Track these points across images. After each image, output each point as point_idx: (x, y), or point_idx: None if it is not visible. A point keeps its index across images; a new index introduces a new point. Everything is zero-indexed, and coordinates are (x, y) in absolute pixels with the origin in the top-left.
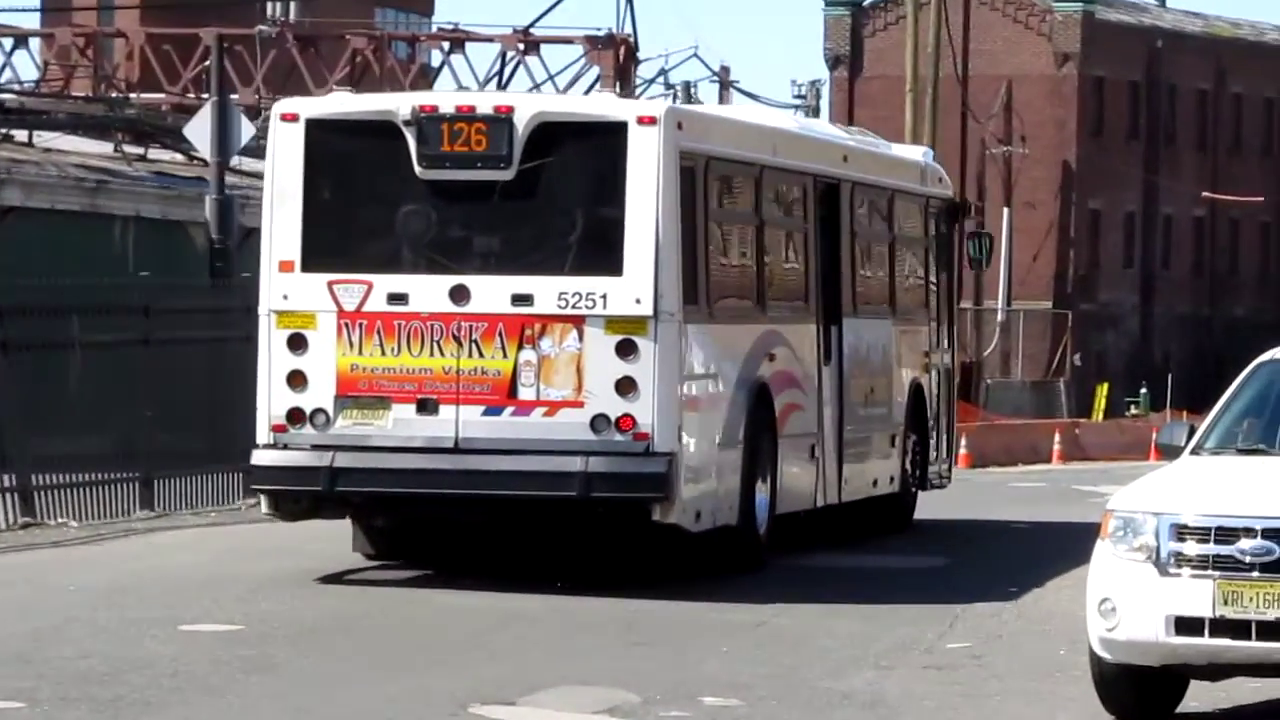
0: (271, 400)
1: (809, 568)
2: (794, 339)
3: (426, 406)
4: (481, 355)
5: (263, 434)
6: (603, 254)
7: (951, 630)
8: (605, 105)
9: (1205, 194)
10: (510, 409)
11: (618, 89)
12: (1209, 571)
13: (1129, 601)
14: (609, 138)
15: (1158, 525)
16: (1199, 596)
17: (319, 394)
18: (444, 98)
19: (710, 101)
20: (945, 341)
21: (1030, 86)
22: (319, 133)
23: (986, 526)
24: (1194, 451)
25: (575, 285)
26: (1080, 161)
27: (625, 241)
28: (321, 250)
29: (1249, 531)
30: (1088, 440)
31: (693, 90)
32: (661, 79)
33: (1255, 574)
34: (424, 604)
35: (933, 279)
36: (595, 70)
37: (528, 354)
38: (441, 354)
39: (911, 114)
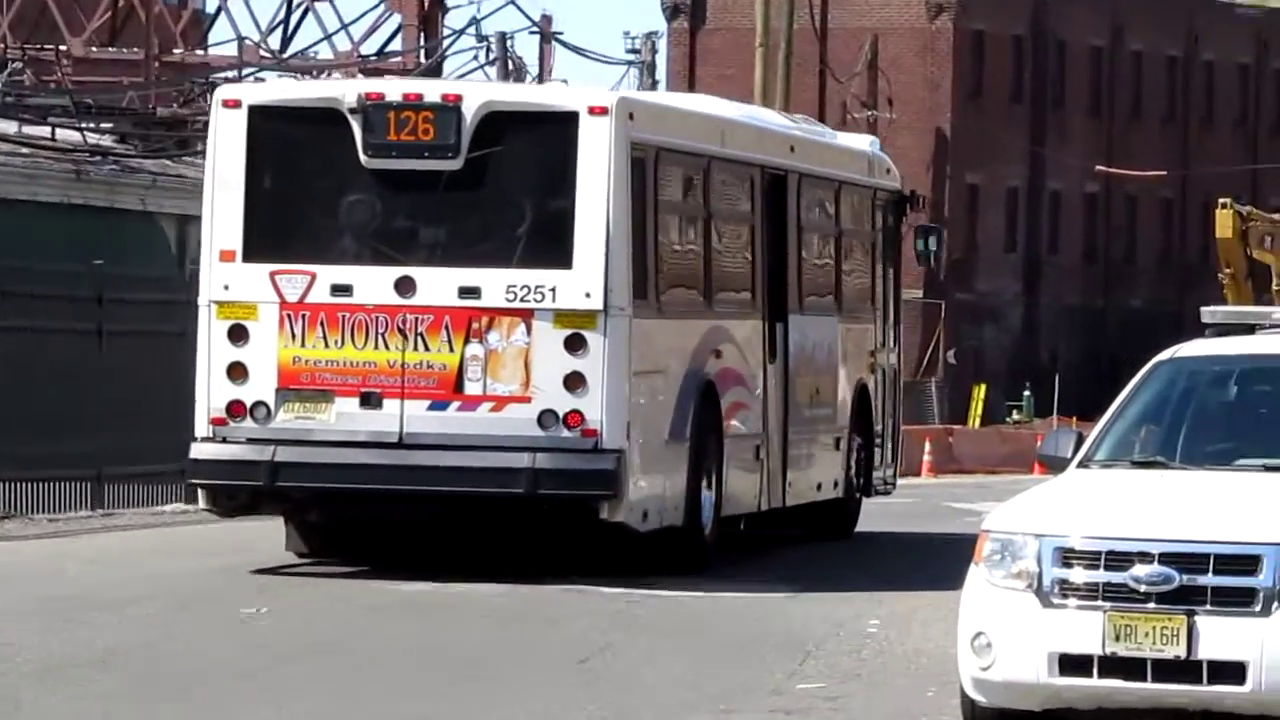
0: (211, 392)
1: (649, 595)
2: (740, 336)
3: (370, 400)
4: (427, 349)
5: (201, 427)
6: (552, 246)
7: (802, 669)
8: (556, 95)
9: (1099, 167)
10: (456, 404)
11: (422, 40)
12: (1098, 602)
13: (1006, 636)
14: (559, 128)
15: (1040, 548)
16: (1087, 631)
17: (260, 387)
18: (391, 85)
19: (529, 56)
20: (891, 340)
21: (899, 41)
22: (262, 119)
23: (843, 548)
24: (1082, 464)
25: (524, 278)
26: (956, 129)
27: (575, 233)
28: (264, 240)
29: (1144, 556)
30: (963, 450)
31: (510, 44)
32: (473, 30)
33: (1151, 605)
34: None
35: (879, 275)
36: (396, 19)
37: (474, 348)
38: (386, 347)
39: (762, 72)
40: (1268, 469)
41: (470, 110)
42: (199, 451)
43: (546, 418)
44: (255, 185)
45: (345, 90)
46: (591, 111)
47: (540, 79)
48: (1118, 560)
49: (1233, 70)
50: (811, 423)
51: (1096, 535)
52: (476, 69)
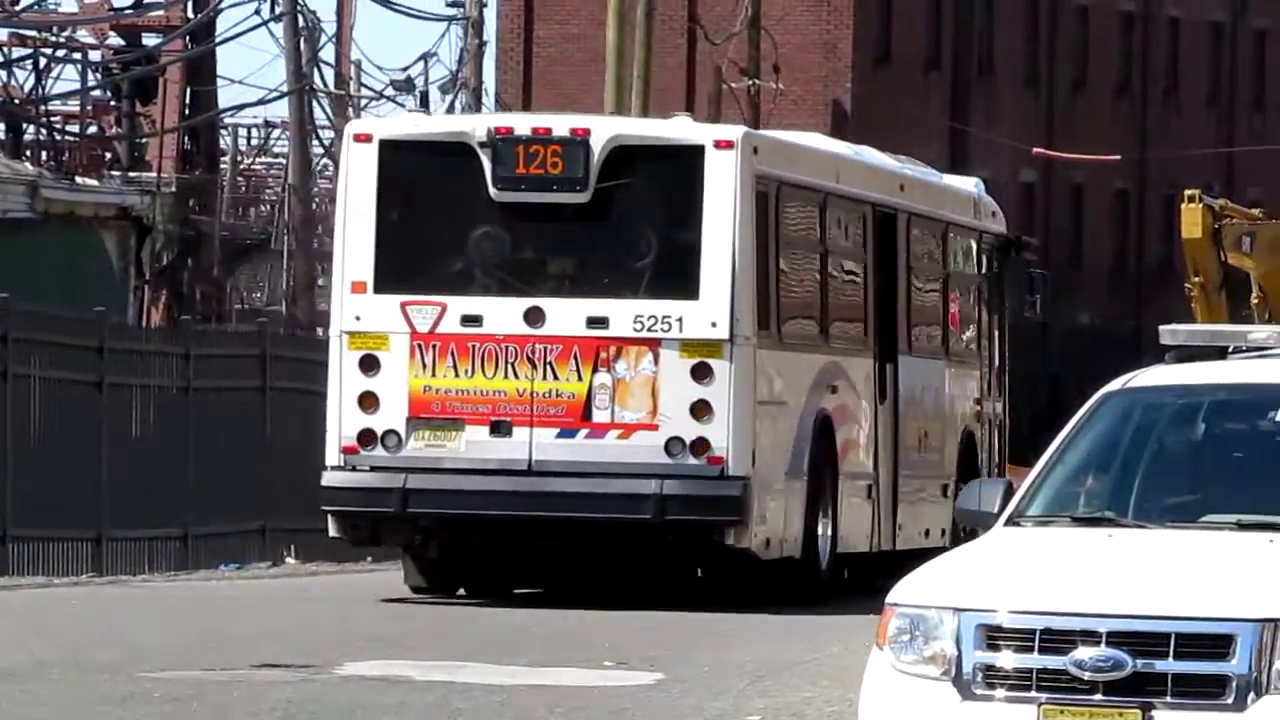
0: (342, 422)
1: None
2: (853, 373)
3: (500, 428)
4: (556, 378)
5: (332, 456)
6: (678, 277)
7: None
8: (683, 129)
9: (1037, 150)
10: (584, 431)
11: None
12: (1032, 693)
13: None
14: (686, 161)
15: (959, 626)
16: None
17: (391, 415)
18: (520, 119)
19: (324, 10)
20: (997, 390)
21: None
22: (392, 153)
23: (715, 625)
24: (1012, 521)
25: (650, 308)
26: (858, 102)
27: (701, 264)
28: (394, 271)
29: (1089, 636)
30: None
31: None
32: None
33: (1098, 697)
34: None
35: (984, 320)
36: None
37: (602, 376)
38: (516, 376)
39: (615, 32)
40: (1241, 527)
41: (598, 144)
42: (330, 479)
43: (673, 445)
44: (386, 217)
45: (475, 124)
46: (717, 145)
47: (338, 37)
48: (1056, 641)
49: (1203, 30)
50: (920, 467)
51: (1029, 610)
52: (259, 25)
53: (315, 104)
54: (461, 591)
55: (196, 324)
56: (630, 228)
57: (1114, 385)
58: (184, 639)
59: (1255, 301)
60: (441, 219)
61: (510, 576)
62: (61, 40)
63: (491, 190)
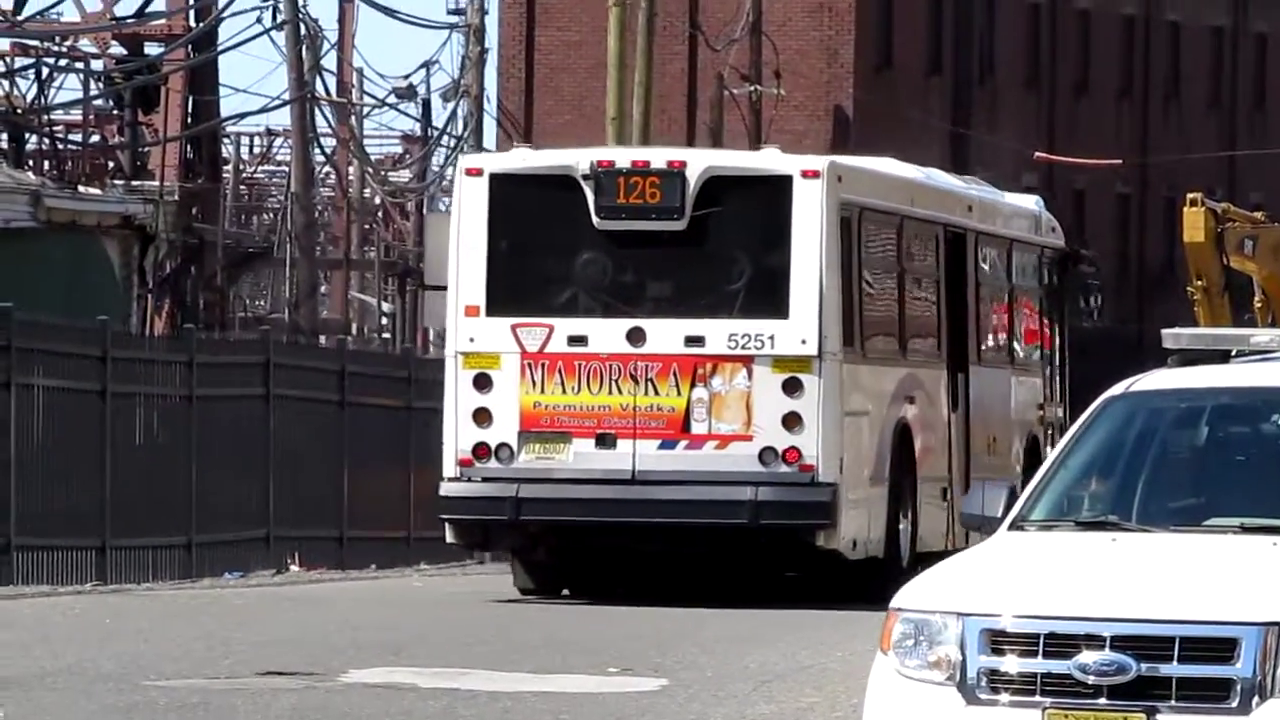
0: (459, 436)
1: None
2: (929, 384)
3: (605, 441)
4: (657, 393)
5: (449, 468)
6: (769, 298)
7: None
8: (772, 160)
9: (1038, 154)
10: (684, 443)
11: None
12: (1036, 697)
13: None
14: (775, 190)
15: (963, 631)
16: None
17: (503, 430)
18: (620, 153)
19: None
20: (1058, 395)
21: (789, 0)
22: (502, 186)
23: (721, 633)
24: (1015, 525)
25: (744, 327)
26: (860, 107)
27: (791, 286)
28: (505, 296)
29: (1093, 640)
30: None
31: (303, 3)
32: None
33: (1102, 701)
34: None
35: (1046, 330)
36: None
37: (700, 391)
38: (619, 392)
39: (616, 38)
40: (1245, 530)
41: (693, 175)
42: (448, 490)
43: (767, 454)
44: (496, 245)
45: (579, 158)
46: (804, 175)
47: (340, 45)
48: (1060, 645)
49: (1204, 35)
50: (989, 469)
51: (1033, 614)
52: (261, 34)
53: (317, 112)
54: (566, 592)
55: (200, 332)
56: (724, 252)
57: (1116, 389)
58: (188, 647)
59: (1258, 305)
60: (548, 246)
61: (612, 578)
62: (64, 50)
63: (594, 219)
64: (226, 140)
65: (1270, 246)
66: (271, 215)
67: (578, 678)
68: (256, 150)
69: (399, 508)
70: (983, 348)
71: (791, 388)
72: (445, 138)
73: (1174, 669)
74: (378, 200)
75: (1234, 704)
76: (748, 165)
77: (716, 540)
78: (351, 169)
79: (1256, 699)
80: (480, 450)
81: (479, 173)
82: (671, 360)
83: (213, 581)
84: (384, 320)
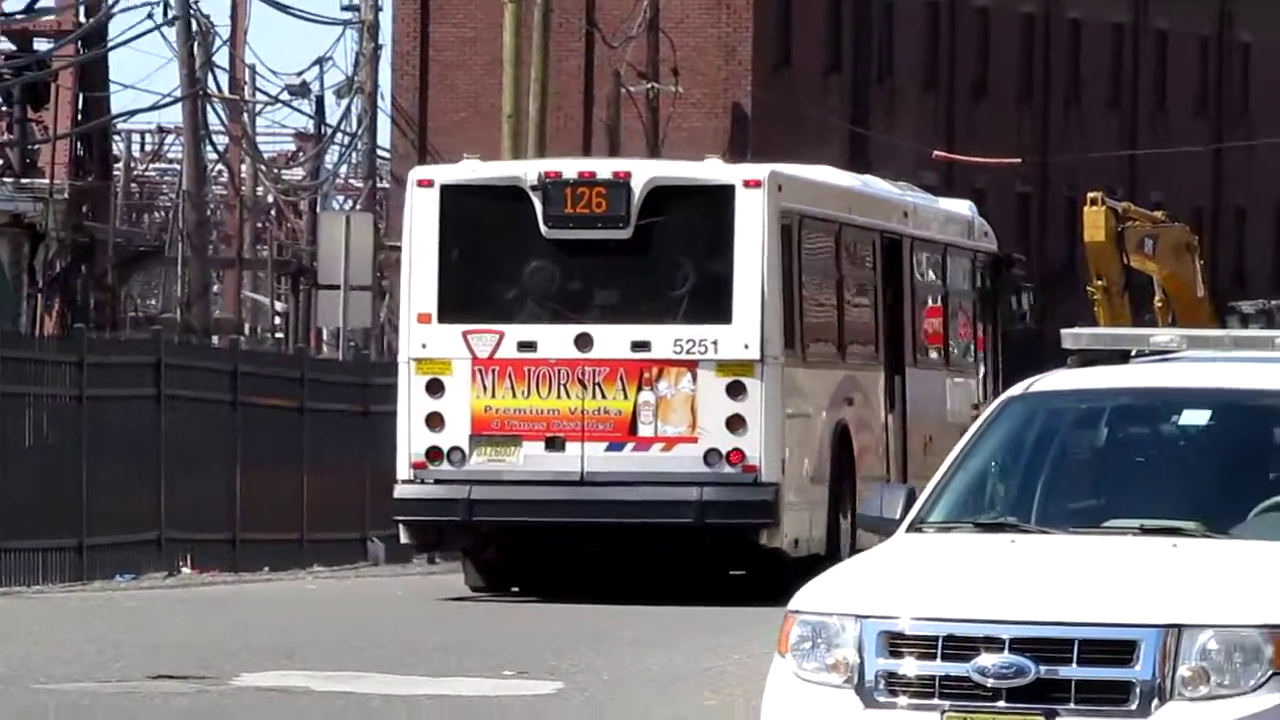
0: (411, 439)
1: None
2: (867, 386)
3: (554, 444)
4: (604, 396)
5: (403, 470)
6: (713, 304)
7: None
8: (714, 170)
9: (937, 153)
10: (631, 445)
11: None
12: (935, 700)
13: None
14: (717, 199)
15: (861, 633)
16: None
17: (455, 433)
18: (567, 164)
19: (218, 14)
20: (992, 395)
21: None
22: (452, 197)
23: (614, 633)
24: (914, 527)
25: (689, 333)
26: (758, 105)
27: (734, 292)
28: (456, 303)
29: (992, 642)
30: None
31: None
32: None
33: (1001, 704)
34: None
35: (980, 332)
36: None
37: (646, 395)
38: (568, 396)
39: (513, 35)
40: (1145, 532)
41: (638, 185)
42: (403, 492)
43: (711, 456)
44: (447, 255)
45: (527, 169)
46: (746, 185)
47: (232, 40)
48: (959, 647)
49: (1104, 31)
50: (926, 469)
51: (932, 616)
52: (152, 29)
53: (209, 108)
54: (515, 589)
55: (90, 332)
56: (669, 260)
57: (1014, 390)
58: (79, 650)
59: (1158, 304)
60: (498, 255)
61: (561, 577)
62: None
63: (543, 228)
64: (117, 137)
65: (1170, 246)
66: (163, 213)
67: (473, 681)
68: (148, 148)
69: (292, 510)
70: (919, 350)
71: (735, 391)
72: (339, 135)
73: (1073, 671)
74: (271, 198)
75: (1133, 706)
76: (691, 175)
77: (663, 539)
78: (244, 167)
79: (1156, 701)
80: (433, 453)
81: (430, 184)
82: (619, 365)
83: (104, 584)
84: (277, 320)
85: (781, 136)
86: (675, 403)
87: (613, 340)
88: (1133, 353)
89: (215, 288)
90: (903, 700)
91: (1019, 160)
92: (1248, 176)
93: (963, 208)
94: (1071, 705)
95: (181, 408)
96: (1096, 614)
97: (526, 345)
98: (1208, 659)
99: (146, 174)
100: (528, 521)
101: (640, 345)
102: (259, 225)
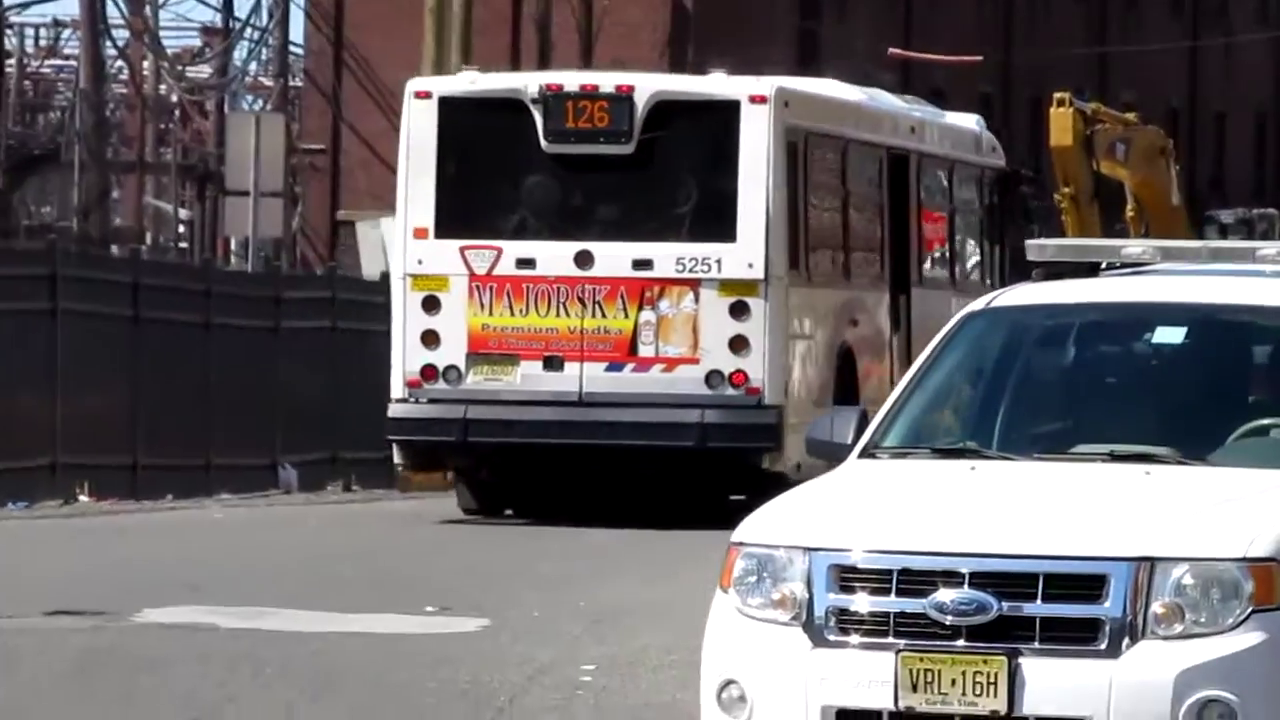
0: (406, 357)
1: (280, 633)
2: (871, 305)
3: (553, 363)
4: (604, 316)
5: (397, 389)
6: (717, 222)
7: None
8: (719, 84)
9: (893, 50)
10: (631, 365)
11: None
12: (889, 639)
13: (766, 686)
14: (722, 115)
15: (809, 567)
16: (874, 678)
17: (451, 352)
18: (569, 77)
19: None
20: None
21: None
22: (450, 109)
23: (544, 569)
24: (867, 452)
25: (691, 251)
26: (700, 3)
27: (738, 210)
28: (453, 218)
29: (951, 577)
30: None
31: None
32: None
33: (960, 643)
34: None
35: (987, 250)
36: None
37: (647, 314)
38: (567, 314)
39: None
40: (1115, 459)
41: (641, 99)
42: (396, 411)
43: (713, 377)
44: (445, 169)
45: (527, 81)
46: (752, 100)
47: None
48: (915, 582)
49: None
50: None
51: (886, 549)
52: None
53: (109, 1)
54: (509, 512)
55: None
56: (671, 176)
57: (976, 305)
58: None
59: (1130, 214)
60: (496, 169)
61: (554, 500)
62: None
63: (543, 142)
64: (9, 32)
65: (1143, 150)
66: (59, 114)
67: (392, 617)
68: (42, 43)
69: (198, 434)
70: (924, 269)
71: (738, 311)
72: (248, 30)
73: (1038, 608)
74: (175, 98)
75: (1102, 646)
76: (695, 90)
77: (663, 462)
78: (146, 64)
79: (1126, 640)
80: (428, 372)
81: (428, 95)
82: (619, 283)
83: None
84: (181, 229)
85: (725, 32)
86: (677, 323)
87: (613, 258)
88: (1103, 265)
89: (115, 194)
90: (854, 639)
91: (980, 58)
92: (1226, 77)
93: (970, 122)
94: (1036, 644)
95: (78, 323)
96: (1063, 546)
97: (525, 262)
98: (1183, 595)
99: (41, 71)
100: (524, 442)
101: (641, 263)
102: (162, 127)
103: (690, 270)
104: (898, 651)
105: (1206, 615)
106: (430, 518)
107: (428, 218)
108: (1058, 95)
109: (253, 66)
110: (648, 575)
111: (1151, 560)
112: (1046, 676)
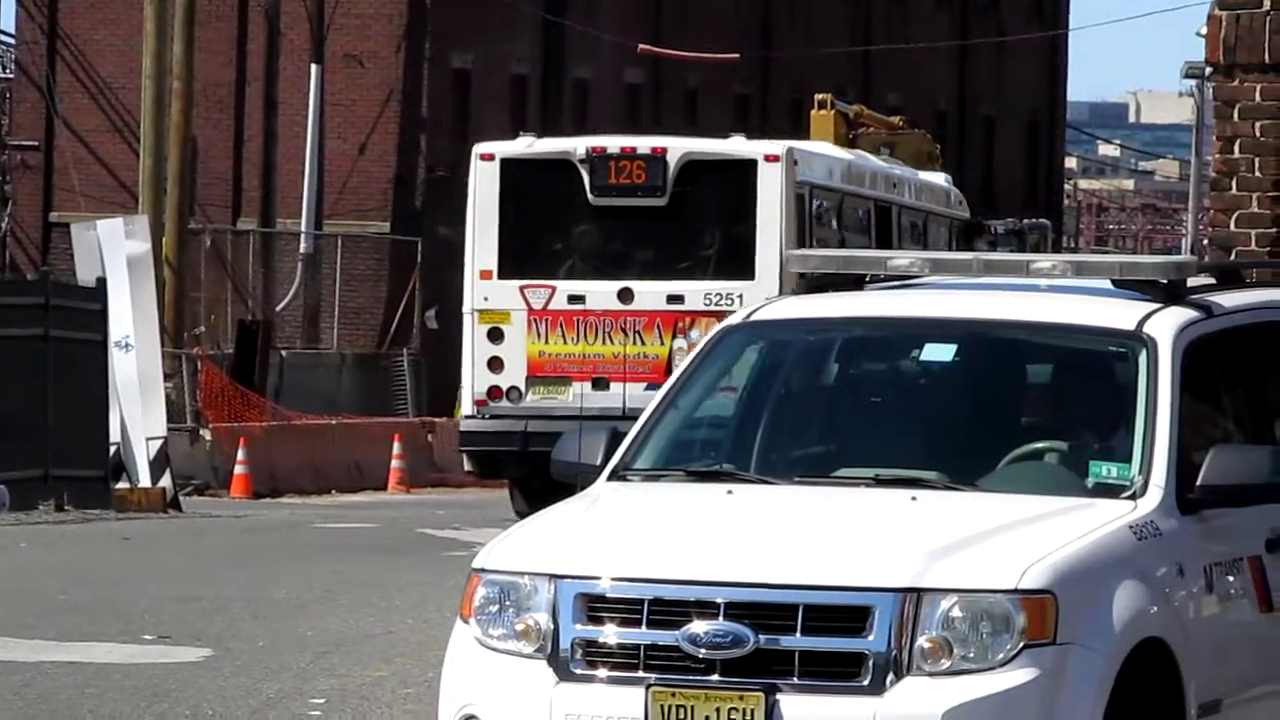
0: (475, 380)
1: None
2: None
3: (600, 384)
4: (643, 343)
5: (468, 407)
6: (738, 263)
7: None
8: (740, 146)
9: (643, 47)
10: None
11: None
12: (639, 673)
13: None
14: (742, 171)
15: (555, 595)
16: (623, 714)
17: (513, 375)
18: (611, 141)
19: None
20: None
21: None
22: (510, 169)
23: (271, 596)
24: (617, 474)
25: (717, 287)
26: None
27: (756, 252)
28: (514, 261)
29: (705, 607)
30: (447, 455)
31: None
32: None
33: (715, 677)
34: None
35: None
36: None
37: (680, 342)
38: (611, 342)
39: None
40: (880, 483)
41: (673, 159)
42: (467, 425)
43: None
44: (506, 219)
45: (577, 145)
46: (767, 159)
47: None
48: (667, 613)
49: None
50: None
51: (636, 577)
52: None
53: None
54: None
55: None
56: (699, 224)
57: (734, 319)
58: None
59: None
60: (550, 220)
61: None
62: None
63: (590, 196)
64: None
65: (910, 155)
66: None
67: (108, 645)
68: None
69: None
70: None
71: None
72: None
73: (797, 641)
74: None
75: (865, 681)
76: (719, 151)
77: None
78: None
79: (891, 676)
80: (494, 392)
81: (491, 158)
82: (656, 316)
83: None
84: None
85: (463, 26)
86: None
87: (650, 294)
88: (867, 277)
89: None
90: (602, 673)
91: (737, 56)
92: (997, 79)
93: (940, 179)
94: (795, 680)
95: None
96: (824, 576)
97: (576, 298)
98: (951, 628)
99: None
100: None
101: (674, 298)
102: None
103: (716, 304)
104: (648, 686)
105: (975, 650)
106: (149, 539)
107: (492, 261)
108: (819, 97)
109: None
110: (410, 600)
111: (918, 591)
112: (806, 713)
